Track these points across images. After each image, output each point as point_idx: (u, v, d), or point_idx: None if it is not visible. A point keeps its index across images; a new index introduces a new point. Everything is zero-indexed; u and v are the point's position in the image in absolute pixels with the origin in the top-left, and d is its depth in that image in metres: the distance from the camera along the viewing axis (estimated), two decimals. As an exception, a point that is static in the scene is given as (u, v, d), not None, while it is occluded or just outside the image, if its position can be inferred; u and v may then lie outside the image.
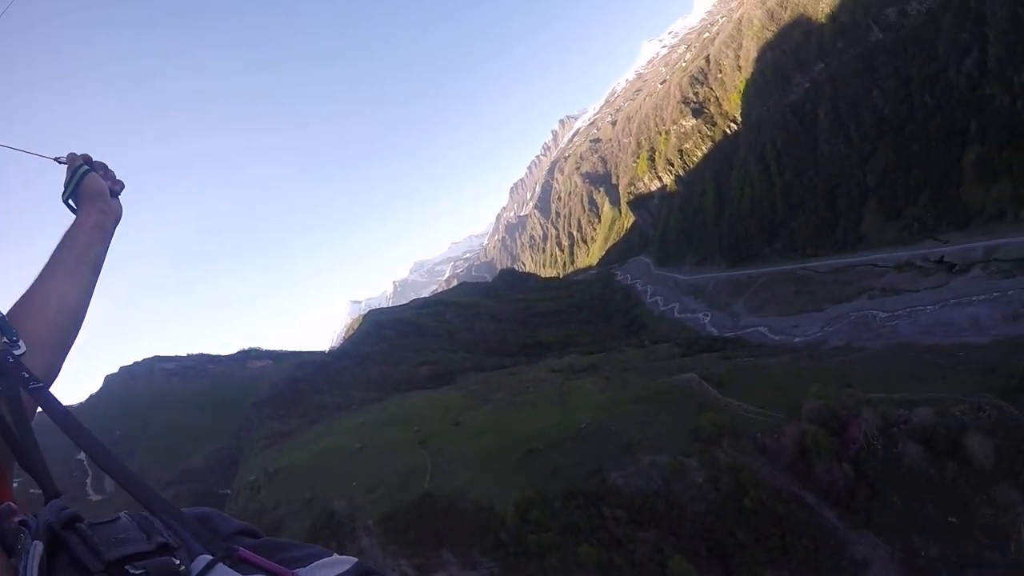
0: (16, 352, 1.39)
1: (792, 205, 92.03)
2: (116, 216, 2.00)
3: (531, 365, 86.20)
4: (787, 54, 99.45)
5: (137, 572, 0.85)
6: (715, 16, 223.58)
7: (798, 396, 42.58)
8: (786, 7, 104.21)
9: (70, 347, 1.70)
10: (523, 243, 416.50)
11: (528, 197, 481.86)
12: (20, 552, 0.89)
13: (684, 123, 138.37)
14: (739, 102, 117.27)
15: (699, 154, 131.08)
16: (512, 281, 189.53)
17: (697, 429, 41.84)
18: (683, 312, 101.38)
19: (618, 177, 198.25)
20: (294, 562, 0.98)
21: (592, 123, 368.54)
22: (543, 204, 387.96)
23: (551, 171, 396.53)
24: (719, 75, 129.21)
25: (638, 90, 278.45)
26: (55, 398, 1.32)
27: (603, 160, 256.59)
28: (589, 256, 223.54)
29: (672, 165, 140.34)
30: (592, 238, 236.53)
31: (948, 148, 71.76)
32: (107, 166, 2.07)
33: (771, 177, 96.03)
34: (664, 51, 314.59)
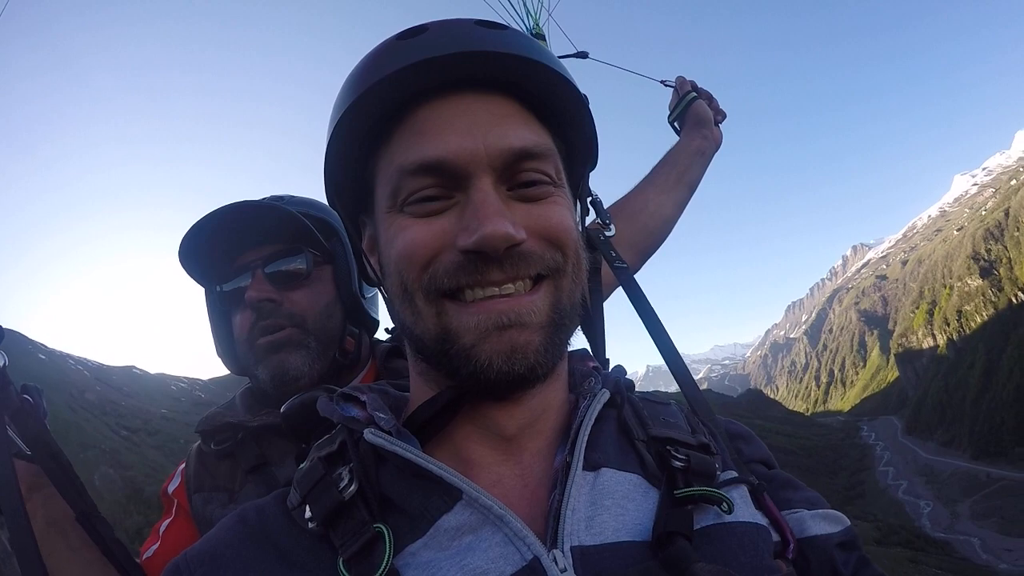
0: (607, 233, 1.48)
1: (1063, 406, 76.68)
2: (716, 143, 2.05)
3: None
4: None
5: (680, 457, 0.82)
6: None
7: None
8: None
9: (651, 254, 1.86)
10: (783, 366, 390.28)
11: (802, 320, 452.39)
12: (585, 392, 0.89)
13: (970, 281, 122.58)
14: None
15: (978, 320, 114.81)
16: (756, 404, 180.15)
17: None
18: (907, 494, 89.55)
19: (895, 323, 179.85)
20: (795, 502, 0.95)
21: (884, 257, 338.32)
22: (813, 332, 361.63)
23: (831, 299, 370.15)
24: (1015, 233, 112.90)
25: (938, 230, 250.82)
26: (635, 282, 1.37)
27: (884, 301, 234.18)
28: (843, 400, 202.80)
29: (948, 325, 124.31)
30: (852, 382, 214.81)
31: None
32: (712, 95, 2.13)
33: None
34: (974, 189, 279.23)
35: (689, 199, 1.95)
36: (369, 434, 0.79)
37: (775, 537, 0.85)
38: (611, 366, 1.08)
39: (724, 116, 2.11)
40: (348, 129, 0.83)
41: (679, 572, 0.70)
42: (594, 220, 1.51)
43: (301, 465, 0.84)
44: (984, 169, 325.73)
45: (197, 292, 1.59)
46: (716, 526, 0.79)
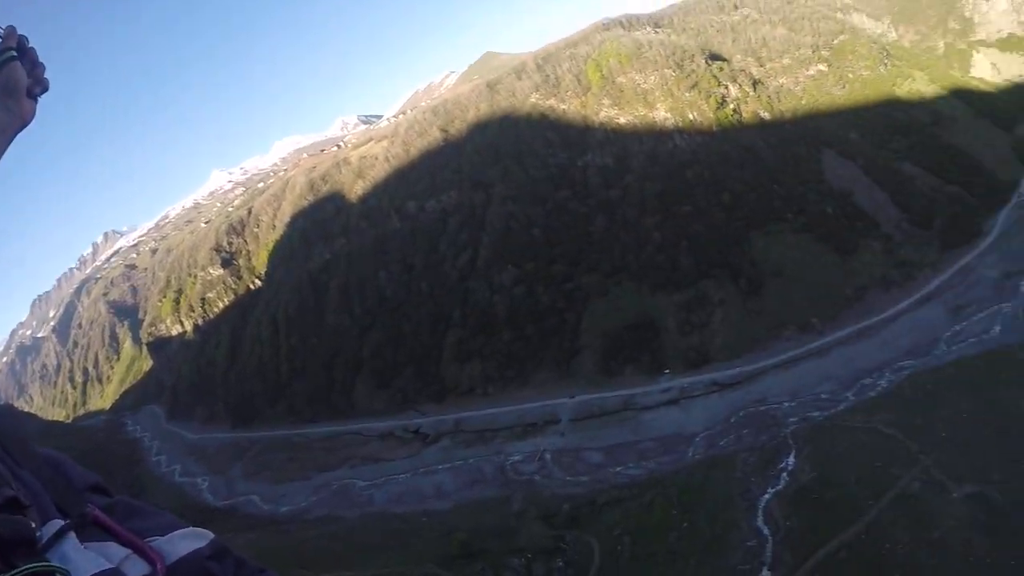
0: None
1: (296, 369, 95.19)
2: (24, 121, 1.70)
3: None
4: (316, 224, 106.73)
5: None
6: (284, 165, 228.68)
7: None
8: (327, 181, 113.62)
9: None
10: (34, 371, 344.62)
11: (51, 316, 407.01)
12: None
13: (212, 271, 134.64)
14: (267, 260, 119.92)
15: (221, 305, 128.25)
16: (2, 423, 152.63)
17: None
18: (184, 475, 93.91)
19: (145, 312, 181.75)
20: (149, 531, 0.85)
21: (135, 245, 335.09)
22: (63, 328, 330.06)
23: (79, 290, 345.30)
24: (256, 230, 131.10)
25: (190, 221, 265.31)
26: None
27: (134, 291, 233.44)
28: (103, 398, 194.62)
29: (194, 311, 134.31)
30: (109, 377, 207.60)
31: (434, 329, 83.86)
32: (37, 59, 1.71)
33: (279, 339, 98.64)
34: (229, 186, 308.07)
35: None
36: None
37: (140, 567, 0.75)
38: None
39: (44, 88, 1.83)
40: None
41: None
42: None
43: None
44: (241, 168, 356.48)
45: None
46: None
